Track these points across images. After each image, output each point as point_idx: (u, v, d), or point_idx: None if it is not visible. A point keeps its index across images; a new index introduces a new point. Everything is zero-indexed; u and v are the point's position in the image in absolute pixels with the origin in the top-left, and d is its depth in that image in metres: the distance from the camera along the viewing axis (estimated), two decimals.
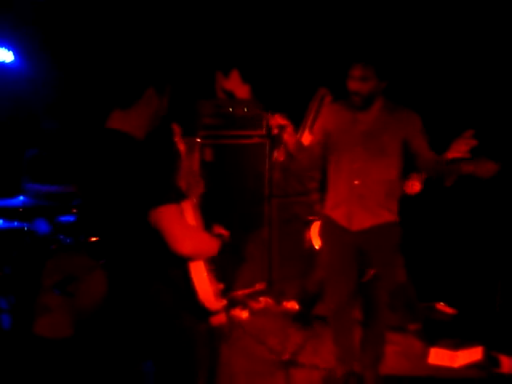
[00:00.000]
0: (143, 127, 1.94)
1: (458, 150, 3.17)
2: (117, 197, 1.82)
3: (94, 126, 1.97)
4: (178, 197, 1.86)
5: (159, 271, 1.88)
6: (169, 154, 2.02)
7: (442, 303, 4.25)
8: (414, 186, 3.43)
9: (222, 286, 2.06)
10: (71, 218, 4.04)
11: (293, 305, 4.38)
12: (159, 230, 1.77)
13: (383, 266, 2.97)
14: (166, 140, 2.05)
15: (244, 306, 4.29)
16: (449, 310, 4.19)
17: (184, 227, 1.82)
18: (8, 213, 3.93)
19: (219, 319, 1.98)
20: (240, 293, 4.44)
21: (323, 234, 3.20)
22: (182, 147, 2.19)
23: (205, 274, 1.91)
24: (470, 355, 3.53)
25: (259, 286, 4.59)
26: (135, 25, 4.35)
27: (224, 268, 2.21)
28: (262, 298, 4.49)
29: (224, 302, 2.02)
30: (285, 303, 4.43)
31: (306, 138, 3.92)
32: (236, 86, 4.50)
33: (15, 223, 3.90)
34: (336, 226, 3.00)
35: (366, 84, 2.80)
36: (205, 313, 1.93)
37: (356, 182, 2.90)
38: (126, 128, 1.89)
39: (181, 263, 1.88)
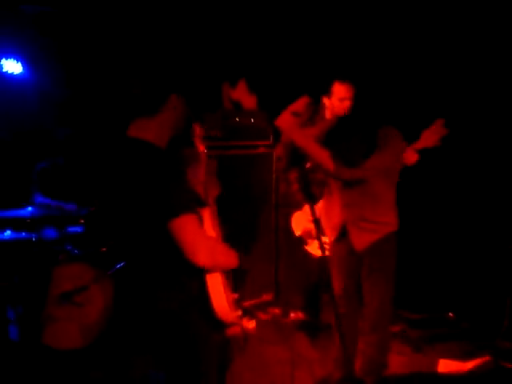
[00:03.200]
0: (166, 135, 1.93)
1: (429, 139, 3.17)
2: (137, 206, 1.82)
3: (114, 135, 1.97)
4: (197, 206, 1.86)
5: (176, 280, 1.88)
6: (186, 164, 2.03)
7: (450, 313, 4.24)
8: (411, 157, 3.38)
9: (236, 295, 2.06)
10: (79, 229, 4.05)
11: (299, 315, 4.38)
12: (176, 240, 1.77)
13: (378, 277, 2.99)
14: (185, 149, 2.05)
15: (251, 316, 4.28)
16: (457, 321, 4.18)
17: (201, 238, 1.82)
18: (16, 223, 3.95)
19: (234, 330, 1.97)
20: (247, 303, 4.43)
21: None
22: (201, 148, 2.18)
23: (221, 286, 1.90)
24: (478, 365, 3.51)
25: (266, 297, 4.58)
26: (143, 33, 4.38)
27: (231, 278, 2.21)
28: (269, 309, 4.49)
29: (239, 312, 2.02)
30: (292, 313, 4.43)
31: None
32: (243, 96, 4.52)
33: (23, 234, 3.91)
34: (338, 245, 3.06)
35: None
36: (219, 324, 1.93)
37: (346, 205, 2.96)
38: (149, 137, 1.88)
39: (198, 274, 1.87)
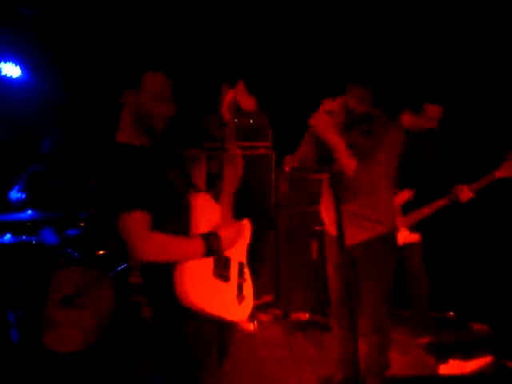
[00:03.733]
0: (131, 132, 1.94)
1: (510, 170, 3.18)
2: (103, 206, 1.86)
3: (103, 140, 1.99)
4: (147, 202, 1.82)
5: (166, 281, 1.87)
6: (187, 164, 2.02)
7: (451, 313, 4.23)
8: (464, 194, 3.38)
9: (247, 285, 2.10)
10: (79, 232, 4.04)
11: (300, 315, 4.37)
12: (121, 236, 1.78)
13: (374, 277, 2.97)
14: (164, 147, 2.03)
15: (252, 317, 4.27)
16: (460, 320, 4.17)
17: (140, 233, 1.79)
18: (16, 227, 3.95)
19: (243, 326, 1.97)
20: None
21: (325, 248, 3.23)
22: (227, 117, 2.15)
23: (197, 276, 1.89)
24: (481, 364, 3.49)
25: (266, 298, 4.57)
26: (140, 35, 4.38)
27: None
28: (269, 309, 4.48)
29: (243, 309, 2.02)
30: (292, 314, 4.42)
31: None
32: (242, 97, 4.51)
33: (23, 237, 3.91)
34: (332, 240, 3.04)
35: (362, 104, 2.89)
36: (198, 317, 1.90)
37: (344, 200, 2.94)
38: (118, 136, 1.93)
39: (165, 267, 1.85)
